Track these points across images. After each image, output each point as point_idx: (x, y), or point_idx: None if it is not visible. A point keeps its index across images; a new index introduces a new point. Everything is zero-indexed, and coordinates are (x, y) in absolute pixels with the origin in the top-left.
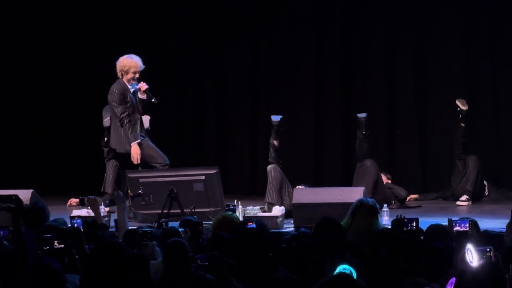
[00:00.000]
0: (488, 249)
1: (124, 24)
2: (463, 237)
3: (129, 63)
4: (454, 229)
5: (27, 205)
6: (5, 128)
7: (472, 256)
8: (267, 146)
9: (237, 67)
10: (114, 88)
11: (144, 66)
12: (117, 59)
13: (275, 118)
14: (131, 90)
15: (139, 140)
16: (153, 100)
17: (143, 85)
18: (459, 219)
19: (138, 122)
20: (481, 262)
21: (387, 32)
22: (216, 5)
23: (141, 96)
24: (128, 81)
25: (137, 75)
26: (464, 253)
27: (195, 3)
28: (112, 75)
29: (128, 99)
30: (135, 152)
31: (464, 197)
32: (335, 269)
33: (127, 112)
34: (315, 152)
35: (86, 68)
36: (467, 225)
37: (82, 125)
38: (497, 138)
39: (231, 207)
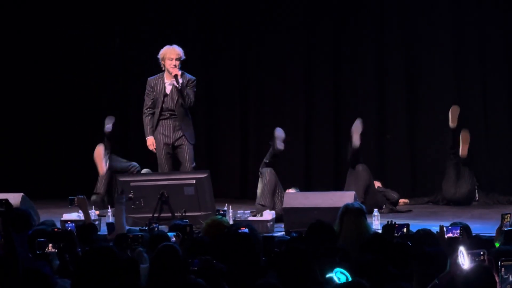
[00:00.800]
0: (481, 253)
1: (124, 24)
2: (454, 243)
3: (164, 50)
4: (446, 236)
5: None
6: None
7: (464, 259)
8: (258, 150)
9: (227, 72)
10: (148, 79)
11: (182, 56)
12: (117, 59)
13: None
14: (169, 82)
15: (151, 137)
16: (178, 85)
17: (174, 71)
18: (450, 225)
19: (168, 115)
20: (472, 265)
21: (378, 39)
22: (215, 8)
23: (176, 84)
24: (168, 71)
25: (174, 62)
26: (457, 256)
27: (195, 3)
28: (112, 76)
29: (158, 90)
30: (148, 144)
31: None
32: (325, 274)
33: (148, 105)
34: (306, 157)
35: (86, 68)
36: (458, 231)
37: (80, 128)
38: (487, 142)
39: (221, 212)
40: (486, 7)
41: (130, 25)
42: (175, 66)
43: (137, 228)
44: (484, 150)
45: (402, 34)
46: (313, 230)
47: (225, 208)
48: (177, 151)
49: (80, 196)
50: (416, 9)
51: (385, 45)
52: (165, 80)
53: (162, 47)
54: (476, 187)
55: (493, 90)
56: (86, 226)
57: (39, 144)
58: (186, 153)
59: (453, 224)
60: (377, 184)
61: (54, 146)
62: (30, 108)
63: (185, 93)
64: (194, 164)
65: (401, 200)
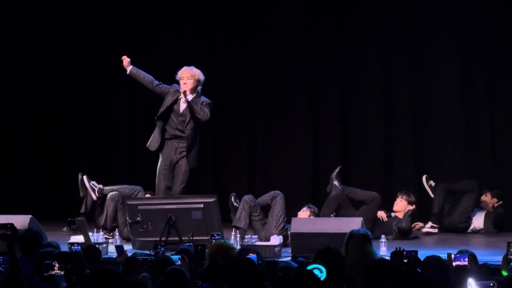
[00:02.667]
0: (491, 284)
1: (124, 24)
2: (462, 272)
3: (179, 72)
4: (453, 263)
5: (22, 230)
6: (5, 150)
7: None
8: (265, 174)
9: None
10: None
11: (197, 76)
12: (115, 61)
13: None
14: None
15: (152, 149)
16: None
17: (182, 87)
18: (458, 253)
19: (174, 136)
20: None
21: (384, 53)
22: (216, 11)
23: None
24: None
25: (182, 81)
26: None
27: (195, 3)
28: (112, 77)
29: (167, 103)
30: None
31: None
32: None
33: (157, 116)
34: (313, 183)
35: (86, 68)
36: (466, 259)
37: (87, 147)
38: (493, 154)
39: (216, 236)
40: (490, 20)
41: (130, 26)
42: (185, 83)
43: (144, 252)
44: (490, 163)
45: (408, 55)
46: (321, 256)
47: (219, 233)
48: (174, 170)
49: (79, 219)
50: (421, 25)
51: (392, 62)
52: (181, 96)
53: (157, 49)
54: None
55: (499, 106)
56: (89, 249)
57: (46, 165)
58: (181, 173)
59: (460, 252)
60: (381, 214)
61: (61, 168)
62: (36, 130)
63: (197, 108)
64: (184, 185)
65: (417, 225)
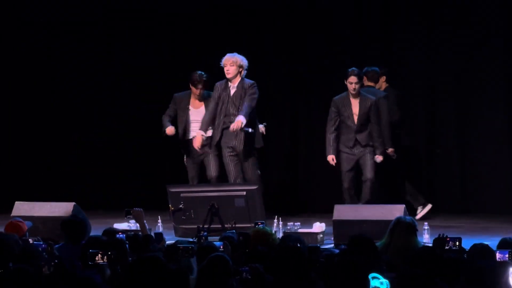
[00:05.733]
0: None
1: (125, 24)
2: (503, 267)
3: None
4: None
5: (67, 217)
6: (51, 139)
7: None
8: (308, 163)
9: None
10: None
11: (240, 62)
12: (117, 62)
13: None
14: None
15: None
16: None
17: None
18: (498, 248)
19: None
20: None
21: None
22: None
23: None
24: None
25: (225, 68)
26: (508, 276)
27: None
28: (113, 79)
29: (216, 95)
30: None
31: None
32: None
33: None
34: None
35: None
36: (507, 255)
37: (129, 139)
38: None
39: (259, 224)
40: None
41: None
42: (228, 71)
43: (186, 240)
44: None
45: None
46: (353, 243)
47: (263, 221)
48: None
49: (136, 209)
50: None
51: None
52: (229, 86)
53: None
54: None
55: None
56: (143, 237)
57: (91, 154)
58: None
59: (501, 246)
60: None
61: (105, 157)
62: (78, 120)
63: (248, 110)
64: (258, 171)
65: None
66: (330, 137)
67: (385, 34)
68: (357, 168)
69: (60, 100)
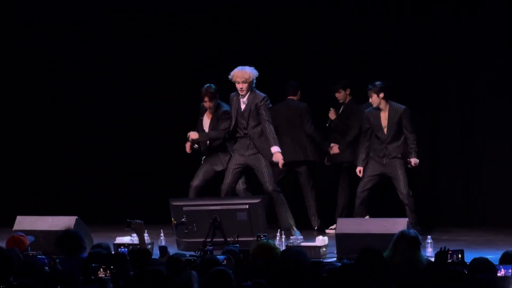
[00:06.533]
0: None
1: (125, 24)
2: (505, 282)
3: (232, 73)
4: (497, 274)
5: (61, 232)
6: (51, 139)
7: None
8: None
9: None
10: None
11: (250, 77)
12: (117, 62)
13: None
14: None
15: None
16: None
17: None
18: (500, 263)
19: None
20: None
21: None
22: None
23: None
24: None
25: (238, 85)
26: None
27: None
28: (113, 79)
29: (231, 113)
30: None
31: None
32: None
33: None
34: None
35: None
36: (510, 270)
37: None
38: None
39: (262, 237)
40: None
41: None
42: (241, 89)
43: (188, 253)
44: None
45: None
46: (363, 257)
47: (266, 234)
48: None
49: (137, 221)
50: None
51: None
52: (240, 98)
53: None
54: None
55: None
56: (140, 251)
57: (95, 167)
58: (265, 172)
59: (503, 261)
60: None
61: (108, 170)
62: (82, 132)
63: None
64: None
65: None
66: (362, 148)
67: (385, 34)
68: (381, 180)
69: (60, 100)
